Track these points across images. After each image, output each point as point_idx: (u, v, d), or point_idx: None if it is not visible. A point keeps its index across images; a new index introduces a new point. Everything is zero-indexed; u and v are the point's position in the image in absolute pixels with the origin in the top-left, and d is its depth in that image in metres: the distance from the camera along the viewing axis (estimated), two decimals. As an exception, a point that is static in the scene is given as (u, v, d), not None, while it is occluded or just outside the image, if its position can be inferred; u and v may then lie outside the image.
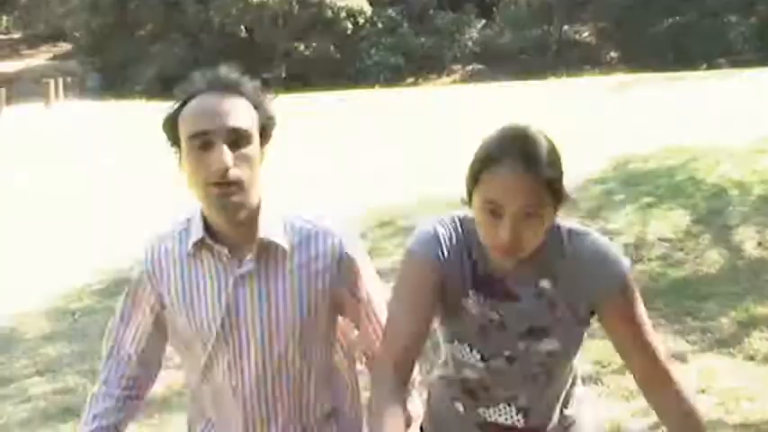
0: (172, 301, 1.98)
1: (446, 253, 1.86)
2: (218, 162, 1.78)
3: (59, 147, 17.14)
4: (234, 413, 1.99)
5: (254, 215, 1.90)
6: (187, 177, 1.87)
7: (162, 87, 32.10)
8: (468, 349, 1.93)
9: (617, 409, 4.23)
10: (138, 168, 12.48)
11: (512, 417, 1.99)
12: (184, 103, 1.87)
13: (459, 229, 1.90)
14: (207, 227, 1.92)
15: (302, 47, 36.13)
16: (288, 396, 1.99)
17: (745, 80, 17.34)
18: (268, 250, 1.92)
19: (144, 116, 23.19)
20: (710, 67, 28.74)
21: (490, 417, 2.00)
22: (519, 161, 1.69)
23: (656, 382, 1.83)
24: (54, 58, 41.65)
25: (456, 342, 1.94)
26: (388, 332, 1.89)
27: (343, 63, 33.79)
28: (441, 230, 1.88)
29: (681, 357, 4.82)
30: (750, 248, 6.66)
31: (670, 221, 7.34)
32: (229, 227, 1.88)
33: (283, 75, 34.78)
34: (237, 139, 1.82)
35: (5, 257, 8.38)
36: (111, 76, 35.50)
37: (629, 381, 4.45)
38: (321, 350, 2.02)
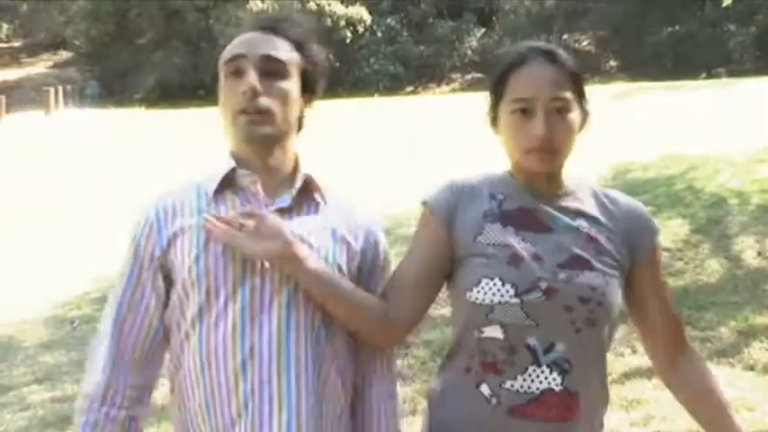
0: (184, 245, 1.73)
1: (462, 196, 1.85)
2: (246, 85, 1.72)
3: (59, 154, 17.15)
4: (230, 389, 1.69)
5: (288, 158, 1.81)
6: (220, 109, 1.81)
7: (161, 95, 32.20)
8: (499, 283, 1.73)
9: (617, 419, 4.22)
10: (138, 176, 12.48)
11: (546, 378, 1.75)
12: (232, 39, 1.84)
13: (487, 178, 1.89)
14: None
15: (302, 55, 36.11)
16: (307, 365, 1.71)
17: (745, 89, 17.36)
18: (307, 193, 1.81)
19: (143, 124, 23.28)
20: (710, 76, 28.80)
21: (520, 388, 1.75)
22: (543, 58, 1.79)
23: (680, 354, 1.90)
24: (54, 66, 41.70)
25: (483, 282, 1.74)
26: (391, 276, 1.89)
27: (342, 71, 33.80)
28: (456, 180, 1.89)
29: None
30: (749, 258, 6.66)
31: (669, 231, 7.33)
32: (261, 162, 1.77)
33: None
34: (271, 69, 1.76)
35: (5, 265, 8.37)
36: (111, 84, 35.55)
37: (628, 390, 4.45)
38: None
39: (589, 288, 1.74)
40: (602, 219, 1.84)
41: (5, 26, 44.70)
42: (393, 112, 20.90)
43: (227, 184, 1.77)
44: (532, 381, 1.75)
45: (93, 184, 13.00)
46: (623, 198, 1.91)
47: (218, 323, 1.70)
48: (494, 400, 1.77)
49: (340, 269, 1.79)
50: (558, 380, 1.75)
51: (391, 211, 8.64)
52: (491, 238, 1.79)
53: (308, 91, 1.86)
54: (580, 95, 1.82)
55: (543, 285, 1.73)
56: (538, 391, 1.75)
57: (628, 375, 4.69)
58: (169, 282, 1.77)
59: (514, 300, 1.73)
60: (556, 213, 1.82)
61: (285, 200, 1.77)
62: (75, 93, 32.72)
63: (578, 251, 1.78)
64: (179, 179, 1.87)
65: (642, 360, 4.93)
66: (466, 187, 1.86)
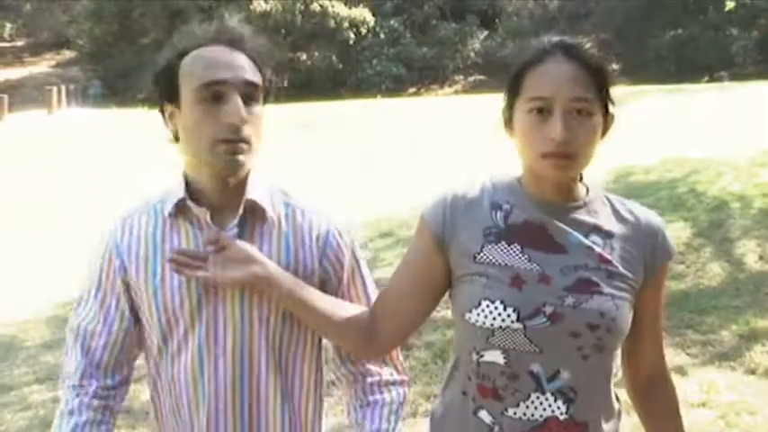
0: (140, 278, 1.76)
1: (458, 213, 1.71)
2: (235, 115, 1.65)
3: (61, 154, 17.17)
4: (195, 417, 1.76)
5: (244, 179, 1.76)
6: (186, 134, 1.71)
7: (164, 96, 32.21)
8: (500, 307, 1.62)
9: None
10: (140, 176, 12.48)
11: (549, 406, 1.65)
12: (182, 55, 1.72)
13: (488, 184, 1.75)
14: (188, 190, 1.75)
15: (304, 56, 36.20)
16: (269, 390, 1.77)
17: (747, 93, 17.36)
18: (254, 215, 1.76)
19: (146, 124, 23.25)
20: (712, 79, 28.80)
21: (523, 416, 1.66)
22: (564, 54, 1.64)
23: (660, 383, 1.85)
24: (57, 65, 41.76)
25: (484, 304, 1.63)
26: (383, 290, 1.82)
27: (345, 73, 33.87)
28: (452, 192, 1.75)
29: (681, 370, 4.81)
30: (751, 262, 6.65)
31: (671, 234, 7.32)
32: (219, 188, 1.74)
33: (285, 84, 34.82)
34: (249, 94, 1.70)
35: (6, 265, 8.38)
36: (114, 83, 35.63)
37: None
38: (308, 339, 1.83)
39: (598, 314, 1.62)
40: (619, 235, 1.70)
41: (9, 25, 44.76)
42: (395, 113, 20.90)
43: (180, 209, 1.76)
44: (536, 408, 1.65)
45: (95, 183, 13.02)
46: (642, 212, 1.76)
47: (180, 353, 1.76)
48: (496, 428, 1.68)
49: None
50: (563, 408, 1.65)
51: (392, 212, 8.64)
52: (493, 257, 1.67)
53: (264, 100, 1.81)
54: (605, 96, 1.66)
55: (548, 310, 1.61)
56: (542, 419, 1.66)
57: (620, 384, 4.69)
58: (134, 303, 1.81)
59: (517, 325, 1.61)
60: (568, 229, 1.67)
61: (231, 228, 1.74)
62: (77, 92, 32.79)
63: (588, 274, 1.64)
64: (153, 189, 1.87)
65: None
66: (463, 202, 1.73)
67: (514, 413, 1.66)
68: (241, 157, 1.68)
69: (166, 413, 1.82)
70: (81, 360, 1.81)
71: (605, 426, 1.73)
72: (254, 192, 1.75)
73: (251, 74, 1.71)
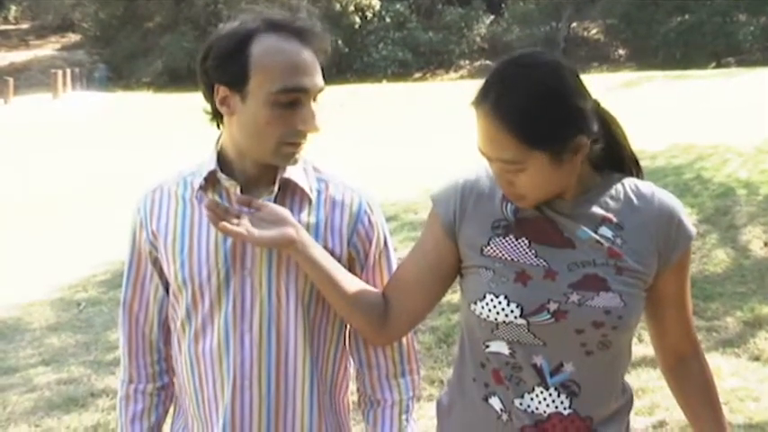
0: (168, 249, 1.75)
1: (468, 202, 1.70)
2: (309, 124, 1.64)
3: (67, 137, 17.18)
4: (219, 394, 1.75)
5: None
6: (248, 127, 1.66)
7: (169, 79, 32.22)
8: (504, 302, 1.61)
9: (621, 408, 4.22)
10: (145, 160, 12.49)
11: (553, 401, 1.64)
12: (248, 38, 1.65)
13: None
14: (220, 162, 1.73)
15: (310, 40, 36.07)
16: (297, 367, 1.74)
17: (754, 79, 17.29)
18: (290, 193, 1.74)
19: (151, 108, 23.30)
20: (718, 65, 28.70)
21: (528, 408, 1.65)
22: (489, 106, 1.55)
23: (689, 358, 1.82)
24: (62, 48, 41.71)
25: (488, 297, 1.62)
26: (393, 274, 1.81)
27: (350, 57, 33.75)
28: (464, 178, 1.73)
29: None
30: (757, 248, 6.64)
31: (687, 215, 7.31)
32: (254, 166, 1.72)
33: (291, 68, 34.73)
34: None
35: (11, 248, 8.40)
36: (119, 67, 35.62)
37: (634, 379, 4.45)
38: (333, 320, 1.80)
39: (603, 312, 1.59)
40: (630, 226, 1.65)
41: (14, 8, 44.72)
42: (401, 98, 20.87)
43: (210, 181, 1.74)
44: (539, 402, 1.65)
45: (101, 167, 13.03)
46: (657, 195, 1.69)
47: (205, 330, 1.74)
48: (504, 416, 1.68)
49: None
50: (566, 403, 1.64)
51: (397, 197, 8.64)
52: (500, 251, 1.65)
53: None
54: (549, 148, 1.54)
55: (552, 307, 1.59)
56: (545, 415, 1.65)
57: (633, 364, 4.68)
58: (164, 276, 1.81)
59: (520, 320, 1.60)
60: (577, 224, 1.64)
61: (268, 200, 1.71)
62: (83, 76, 32.77)
63: (595, 270, 1.61)
64: (185, 163, 1.86)
65: (648, 349, 4.92)
66: (474, 190, 1.71)
67: (520, 404, 1.66)
68: (297, 155, 1.68)
69: (185, 391, 1.81)
70: (125, 339, 1.86)
71: (612, 419, 1.71)
72: (289, 169, 1.73)
73: (321, 79, 1.68)
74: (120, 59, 35.93)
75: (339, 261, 1.73)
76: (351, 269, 1.77)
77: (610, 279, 1.61)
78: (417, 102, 20.04)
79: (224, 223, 1.61)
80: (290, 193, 1.74)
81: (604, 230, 1.64)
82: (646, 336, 5.15)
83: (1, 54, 39.82)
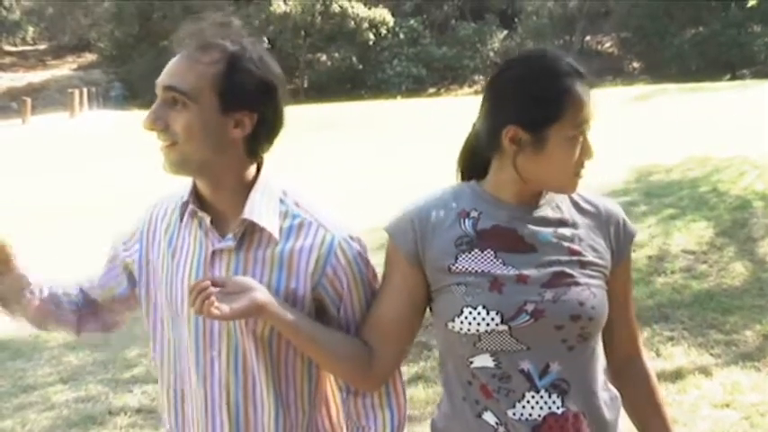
0: (156, 267, 1.83)
1: (425, 227, 1.73)
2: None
3: (84, 156, 17.29)
4: (196, 412, 1.79)
5: (236, 187, 1.74)
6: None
7: (185, 97, 32.40)
8: (483, 312, 1.65)
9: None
10: (161, 178, 12.54)
11: (545, 403, 1.68)
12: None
13: (448, 194, 1.79)
14: (197, 192, 1.78)
15: (324, 57, 36.31)
16: (261, 401, 1.76)
17: (769, 91, 17.21)
18: (252, 231, 1.72)
19: (167, 126, 23.27)
20: (733, 77, 28.61)
21: (521, 416, 1.68)
22: (582, 79, 1.69)
23: (635, 365, 1.87)
24: (79, 68, 42.09)
25: (466, 311, 1.66)
26: (369, 318, 1.79)
27: (364, 73, 33.92)
28: (414, 206, 1.77)
29: (705, 371, 4.78)
30: (774, 261, 6.60)
31: (693, 233, 7.28)
32: (212, 193, 1.75)
33: (305, 85, 34.93)
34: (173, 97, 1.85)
35: (29, 265, 8.44)
36: (135, 86, 35.81)
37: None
38: (300, 352, 1.77)
39: (577, 303, 1.67)
40: (583, 226, 1.76)
41: (31, 29, 45.15)
42: (416, 113, 20.90)
43: (189, 210, 1.79)
44: (532, 408, 1.68)
45: (117, 185, 13.10)
46: (600, 201, 1.82)
47: (181, 341, 1.80)
48: (501, 429, 1.70)
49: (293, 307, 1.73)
50: (558, 402, 1.68)
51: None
52: (468, 266, 1.69)
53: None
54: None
55: (530, 308, 1.65)
56: (540, 418, 1.68)
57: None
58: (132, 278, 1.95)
59: (502, 327, 1.64)
60: (536, 228, 1.72)
61: (229, 239, 1.72)
62: (99, 95, 33.05)
63: (562, 267, 1.69)
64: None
65: (666, 364, 4.90)
66: (428, 215, 1.74)
67: (513, 414, 1.68)
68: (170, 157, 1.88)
69: (163, 364, 1.88)
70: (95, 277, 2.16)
71: (604, 411, 1.76)
72: (254, 207, 1.72)
73: (177, 79, 1.93)
74: (135, 78, 36.17)
75: (303, 301, 1.72)
76: (321, 310, 1.76)
77: (576, 274, 1.70)
78: (432, 117, 20.06)
79: (207, 311, 1.59)
80: (257, 231, 1.72)
81: (562, 232, 1.73)
82: (663, 350, 5.14)
83: (19, 74, 40.24)
